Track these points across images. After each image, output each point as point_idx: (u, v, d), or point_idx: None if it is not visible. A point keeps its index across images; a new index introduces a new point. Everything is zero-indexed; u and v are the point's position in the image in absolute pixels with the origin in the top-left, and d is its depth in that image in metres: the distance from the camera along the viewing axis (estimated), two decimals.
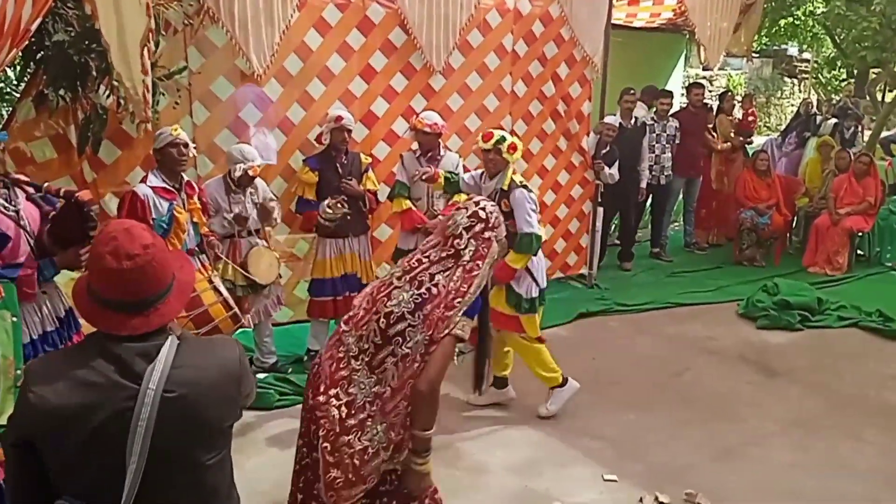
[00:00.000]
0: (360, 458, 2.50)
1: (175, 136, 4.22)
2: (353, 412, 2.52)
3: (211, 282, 4.19)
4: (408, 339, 2.51)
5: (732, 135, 8.95)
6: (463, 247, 2.64)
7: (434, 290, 2.55)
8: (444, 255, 2.63)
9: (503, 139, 4.39)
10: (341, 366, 2.58)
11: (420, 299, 2.53)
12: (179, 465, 1.78)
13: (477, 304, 2.62)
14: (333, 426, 2.51)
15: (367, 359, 2.56)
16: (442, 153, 5.29)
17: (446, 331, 2.51)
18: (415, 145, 5.35)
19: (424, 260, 2.65)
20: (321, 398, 2.55)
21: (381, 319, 2.54)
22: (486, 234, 2.67)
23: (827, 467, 4.25)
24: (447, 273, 2.59)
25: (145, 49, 3.99)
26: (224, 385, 1.84)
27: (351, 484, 2.51)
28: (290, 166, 5.51)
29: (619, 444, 4.45)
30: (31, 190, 3.26)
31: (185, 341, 1.83)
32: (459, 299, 2.55)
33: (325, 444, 2.51)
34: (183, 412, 1.74)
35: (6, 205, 3.15)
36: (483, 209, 2.72)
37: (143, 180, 4.27)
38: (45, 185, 3.30)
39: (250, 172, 4.72)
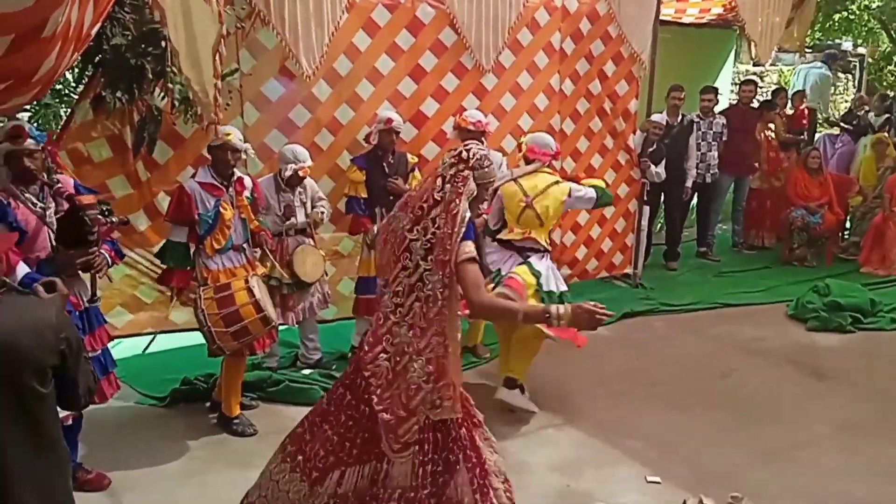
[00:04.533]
0: (407, 395, 2.81)
1: (226, 140, 4.31)
2: (398, 360, 2.83)
3: (247, 282, 4.24)
4: (426, 282, 2.79)
5: (786, 132, 8.80)
6: (446, 188, 2.84)
7: (436, 235, 2.79)
8: (436, 196, 2.84)
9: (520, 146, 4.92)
10: (380, 323, 2.88)
11: (428, 245, 2.80)
12: (2, 395, 2.03)
13: (469, 231, 2.85)
14: (382, 378, 2.83)
15: (401, 310, 2.84)
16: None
17: (454, 265, 2.77)
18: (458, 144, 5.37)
19: (424, 205, 2.85)
20: (368, 356, 2.84)
21: (403, 271, 2.84)
22: (465, 173, 2.86)
23: (877, 472, 4.17)
24: (439, 216, 2.82)
25: (216, 54, 4.13)
26: (41, 331, 2.08)
27: (403, 420, 2.81)
28: (338, 165, 5.59)
29: (663, 446, 4.43)
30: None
31: (5, 297, 2.15)
32: (449, 241, 2.79)
33: (376, 394, 2.82)
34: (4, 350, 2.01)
35: (34, 201, 3.44)
36: (468, 150, 2.91)
37: (195, 176, 4.40)
38: (57, 185, 3.45)
39: (300, 174, 4.81)
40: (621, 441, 4.48)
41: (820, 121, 10.93)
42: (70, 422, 3.50)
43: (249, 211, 4.53)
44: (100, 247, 3.50)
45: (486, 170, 2.91)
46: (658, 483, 4.04)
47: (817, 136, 10.37)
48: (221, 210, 4.33)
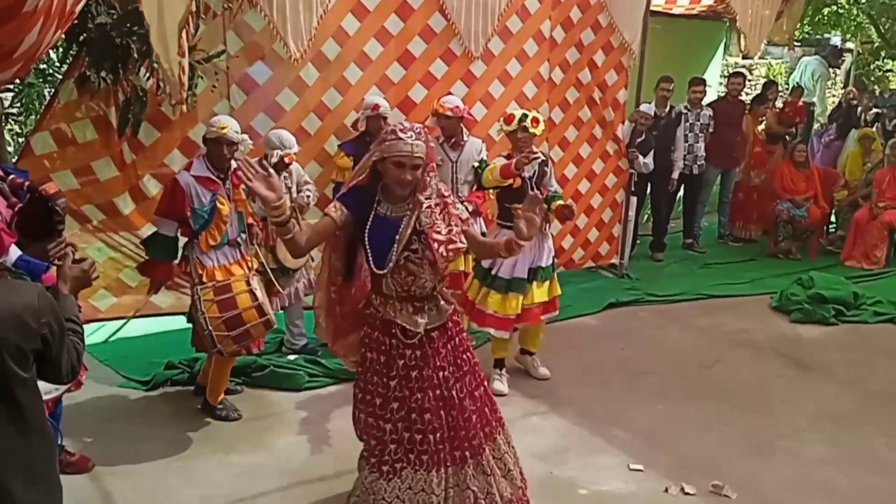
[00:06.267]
0: None
1: (221, 134, 4.10)
2: None
3: (248, 284, 4.14)
4: None
5: (777, 124, 8.83)
6: None
7: None
8: None
9: (525, 116, 4.70)
10: None
11: None
12: None
13: (346, 194, 3.12)
14: None
15: None
16: (465, 138, 5.28)
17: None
18: (438, 131, 5.33)
19: None
20: None
21: None
22: (373, 146, 3.11)
23: (859, 463, 4.21)
24: None
25: (184, 31, 4.01)
26: (21, 316, 2.04)
27: None
28: (325, 150, 5.56)
29: (647, 435, 4.44)
30: None
31: None
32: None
33: None
34: None
35: None
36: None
37: (188, 167, 4.20)
38: (10, 177, 3.30)
39: (286, 160, 4.75)
40: (605, 429, 4.49)
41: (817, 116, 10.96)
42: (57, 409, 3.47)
43: (247, 205, 4.38)
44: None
45: (390, 143, 2.98)
46: (641, 471, 4.05)
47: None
48: (218, 205, 4.17)
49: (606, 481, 3.97)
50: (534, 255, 4.83)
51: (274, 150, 4.71)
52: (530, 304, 4.84)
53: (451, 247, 2.99)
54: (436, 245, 2.97)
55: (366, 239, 3.04)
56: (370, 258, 3.05)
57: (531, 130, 4.69)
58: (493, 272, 4.83)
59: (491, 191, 5.04)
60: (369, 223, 3.04)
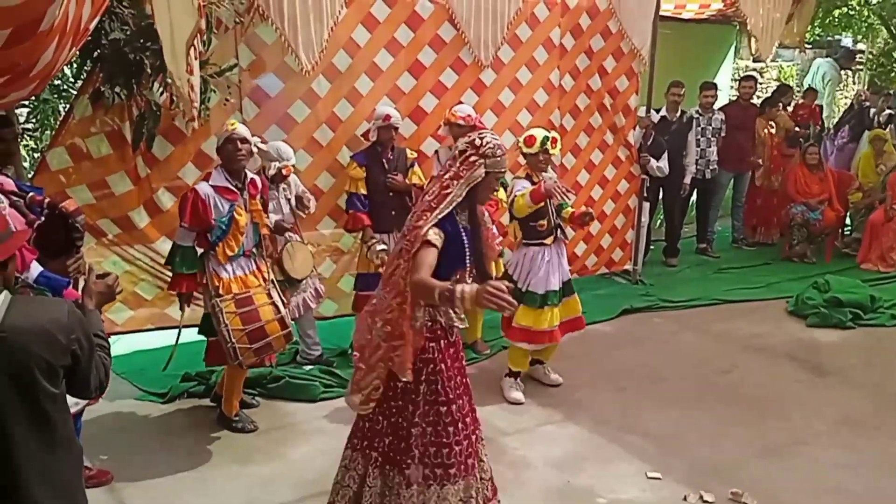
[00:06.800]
0: (370, 351, 3.05)
1: (231, 130, 4.15)
2: (372, 320, 3.07)
3: (270, 296, 4.14)
4: (402, 251, 2.95)
5: (797, 129, 8.80)
6: (451, 171, 2.97)
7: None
8: (444, 183, 2.98)
9: (546, 139, 4.68)
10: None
11: (414, 216, 2.95)
12: (14, 394, 2.03)
13: (446, 223, 2.91)
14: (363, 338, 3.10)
15: (384, 276, 3.09)
16: None
17: (419, 241, 2.86)
18: (449, 140, 5.34)
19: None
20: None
21: (399, 241, 3.03)
22: (472, 158, 2.94)
23: (876, 468, 4.18)
24: (433, 191, 2.96)
25: (192, 49, 4.00)
26: (50, 331, 2.07)
27: (364, 373, 3.08)
28: (338, 161, 5.57)
29: (664, 442, 4.43)
30: (13, 197, 3.30)
31: (17, 297, 2.11)
32: (428, 213, 2.90)
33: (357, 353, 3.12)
34: (9, 351, 2.01)
35: None
36: (481, 138, 2.98)
37: (206, 178, 4.24)
38: (29, 195, 3.30)
39: (284, 171, 4.78)
40: (621, 437, 4.48)
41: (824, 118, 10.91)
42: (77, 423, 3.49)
43: (262, 215, 4.38)
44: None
45: (499, 159, 2.97)
46: (659, 479, 4.03)
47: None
48: (236, 216, 4.17)
49: (624, 489, 3.96)
50: (560, 267, 4.84)
51: (272, 162, 4.75)
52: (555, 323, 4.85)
53: (498, 240, 3.04)
54: (495, 241, 3.04)
55: (468, 254, 3.01)
56: (476, 271, 3.03)
57: (551, 152, 4.70)
58: (522, 288, 4.76)
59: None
60: (466, 238, 3.00)
